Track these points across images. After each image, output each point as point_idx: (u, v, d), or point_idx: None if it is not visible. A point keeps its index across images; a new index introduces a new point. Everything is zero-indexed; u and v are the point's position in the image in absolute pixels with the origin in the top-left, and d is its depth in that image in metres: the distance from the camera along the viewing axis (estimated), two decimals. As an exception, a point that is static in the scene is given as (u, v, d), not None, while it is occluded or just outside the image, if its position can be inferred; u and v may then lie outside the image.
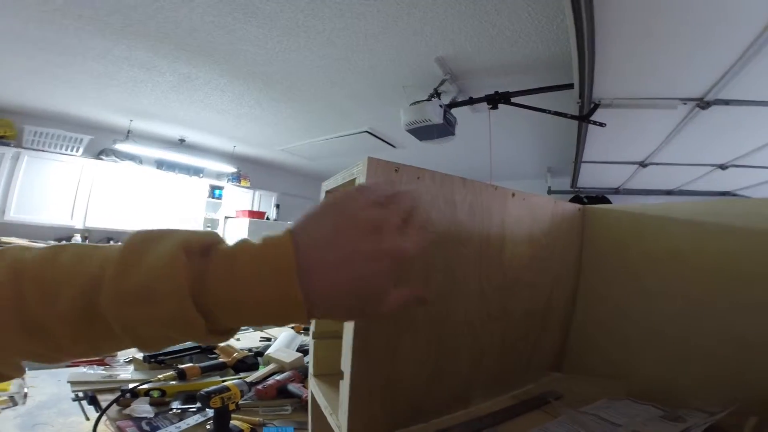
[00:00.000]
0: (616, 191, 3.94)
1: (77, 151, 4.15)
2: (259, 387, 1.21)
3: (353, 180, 0.46)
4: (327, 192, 0.63)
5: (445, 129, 2.45)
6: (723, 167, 2.76)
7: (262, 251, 0.30)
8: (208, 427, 1.02)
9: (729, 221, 0.59)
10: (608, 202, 3.93)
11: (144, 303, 0.28)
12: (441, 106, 2.39)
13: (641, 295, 0.66)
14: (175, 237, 0.30)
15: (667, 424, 0.51)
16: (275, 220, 5.58)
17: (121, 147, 4.38)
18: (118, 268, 0.29)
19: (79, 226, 4.15)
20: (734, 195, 3.46)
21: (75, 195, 4.12)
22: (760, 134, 2.14)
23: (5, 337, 0.29)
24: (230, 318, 0.31)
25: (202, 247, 0.31)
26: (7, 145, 3.74)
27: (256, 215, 5.23)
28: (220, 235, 0.34)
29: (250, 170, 5.69)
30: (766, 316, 0.54)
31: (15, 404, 1.49)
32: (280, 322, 0.34)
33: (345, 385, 0.46)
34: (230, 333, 0.33)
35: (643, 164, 2.90)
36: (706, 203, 0.62)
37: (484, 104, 2.44)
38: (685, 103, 1.86)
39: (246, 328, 2.14)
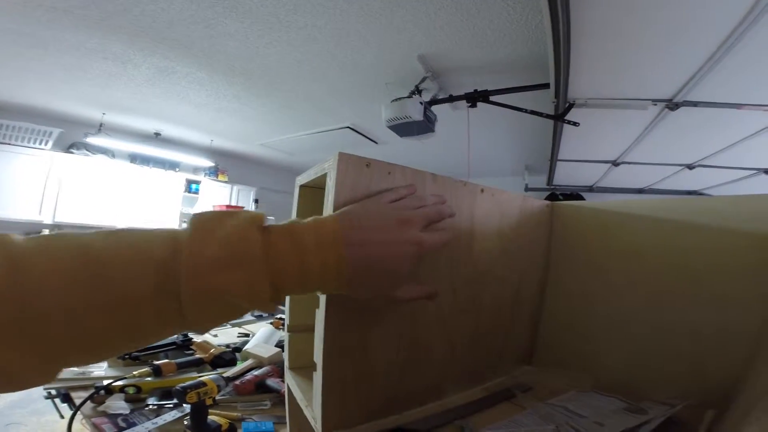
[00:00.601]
0: (591, 189, 4.04)
1: (46, 144, 4.01)
2: (237, 382, 1.21)
3: (325, 175, 0.47)
4: (300, 186, 0.64)
5: (425, 126, 2.47)
6: (690, 167, 2.87)
7: (315, 227, 0.36)
8: (185, 422, 1.01)
9: (687, 218, 0.61)
10: (582, 199, 4.03)
11: (224, 270, 0.31)
12: (421, 103, 2.41)
13: (606, 290, 0.69)
14: (242, 215, 0.35)
15: (629, 416, 0.54)
16: (254, 215, 5.50)
17: (92, 140, 4.25)
18: (194, 242, 0.31)
19: (48, 221, 4.02)
20: (701, 194, 3.61)
21: (44, 189, 3.99)
22: (725, 135, 2.24)
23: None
24: (292, 285, 0.35)
25: (263, 223, 0.35)
26: (-29, 138, 3.60)
27: (234, 210, 5.15)
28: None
29: (228, 165, 5.60)
30: (721, 311, 0.57)
31: (-14, 405, 1.44)
32: (326, 289, 0.39)
33: (318, 377, 0.47)
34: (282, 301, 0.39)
35: (615, 163, 2.99)
36: (666, 200, 0.65)
37: (464, 102, 2.47)
38: (655, 104, 1.93)
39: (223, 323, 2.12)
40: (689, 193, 3.67)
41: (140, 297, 0.30)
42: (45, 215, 4.01)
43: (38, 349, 0.27)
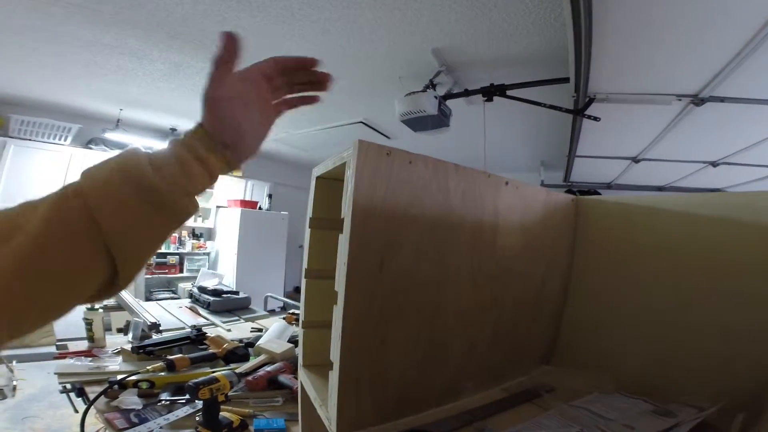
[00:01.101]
0: (608, 186, 3.96)
1: (65, 140, 4.07)
2: (250, 378, 1.20)
3: (343, 164, 0.45)
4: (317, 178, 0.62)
5: (440, 120, 2.43)
6: (714, 164, 2.78)
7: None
8: (197, 418, 1.01)
9: (719, 213, 0.58)
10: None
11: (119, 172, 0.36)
12: (436, 97, 2.37)
13: (632, 287, 0.66)
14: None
15: (658, 419, 0.51)
16: (267, 209, 5.54)
17: (110, 136, 4.31)
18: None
19: (67, 215, 4.09)
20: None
21: (63, 184, 4.04)
22: (751, 132, 2.15)
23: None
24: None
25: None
26: (-6, 134, 3.68)
27: (248, 205, 5.19)
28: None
29: (242, 160, 5.63)
30: (754, 309, 0.54)
31: (4, 397, 1.47)
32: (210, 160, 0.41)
33: (334, 376, 0.45)
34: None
35: (635, 160, 2.91)
36: (698, 195, 0.61)
37: (479, 96, 2.42)
38: (679, 99, 1.86)
39: (236, 318, 2.14)
40: (712, 191, 3.56)
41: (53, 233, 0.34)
42: (64, 209, 4.08)
43: None
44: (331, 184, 0.61)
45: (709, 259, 0.59)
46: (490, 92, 2.34)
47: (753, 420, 0.47)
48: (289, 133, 4.42)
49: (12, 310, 0.32)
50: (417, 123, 2.49)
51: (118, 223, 0.35)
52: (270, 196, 5.79)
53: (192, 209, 0.40)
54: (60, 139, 4.05)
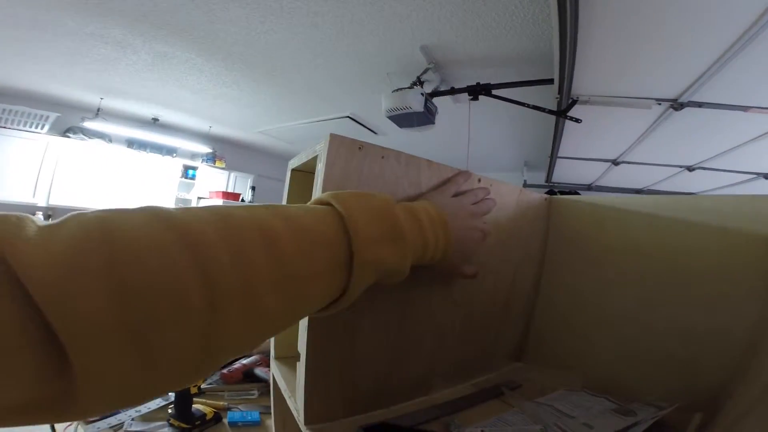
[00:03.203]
0: (589, 188, 4.03)
1: (42, 128, 3.98)
2: (225, 371, 1.19)
3: (315, 157, 0.45)
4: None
5: (426, 117, 2.44)
6: (690, 169, 2.85)
7: (425, 210, 0.43)
8: (169, 411, 1.00)
9: (687, 217, 0.60)
10: (582, 198, 4.01)
11: (384, 244, 0.36)
12: (422, 94, 2.38)
13: (600, 287, 0.68)
14: (378, 195, 0.40)
15: (618, 418, 0.53)
16: (250, 202, 5.49)
17: (89, 125, 4.21)
18: (358, 222, 0.35)
19: (41, 203, 4.00)
20: (700, 196, 3.58)
21: (38, 172, 3.96)
22: (729, 138, 2.21)
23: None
24: (417, 257, 0.41)
25: (394, 203, 0.41)
26: (-33, 121, 3.57)
27: (231, 197, 5.14)
28: None
29: (226, 151, 5.55)
30: (713, 312, 0.55)
31: None
32: (433, 260, 0.44)
33: (301, 366, 0.46)
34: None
35: (615, 162, 2.97)
36: (668, 198, 0.63)
37: (466, 95, 2.44)
38: (659, 104, 1.90)
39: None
40: (688, 195, 3.65)
41: (314, 272, 0.32)
42: (39, 198, 3.98)
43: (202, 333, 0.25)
44: (306, 176, 0.61)
45: (674, 260, 0.60)
46: (476, 91, 2.35)
47: (710, 419, 0.49)
48: (275, 126, 4.38)
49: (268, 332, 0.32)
50: (403, 119, 2.49)
51: (360, 290, 0.37)
52: (253, 188, 5.74)
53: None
54: (37, 128, 3.96)
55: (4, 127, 3.78)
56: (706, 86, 1.67)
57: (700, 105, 1.84)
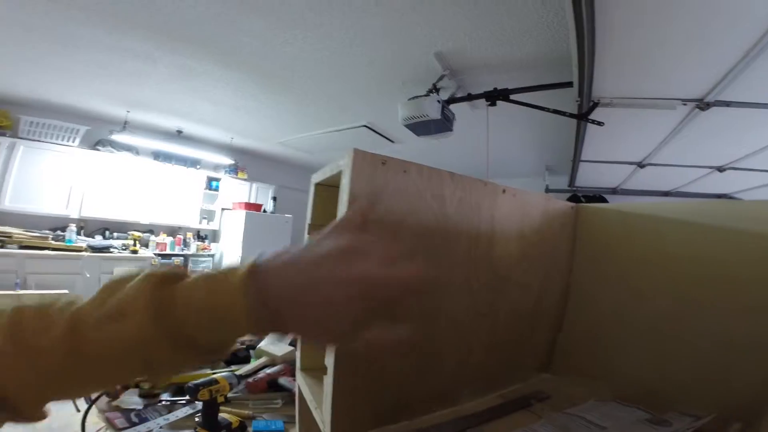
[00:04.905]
0: (614, 191, 3.93)
1: (74, 141, 4.13)
2: (250, 380, 1.21)
3: (340, 173, 0.45)
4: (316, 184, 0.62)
5: (443, 125, 2.44)
6: (720, 169, 2.75)
7: (214, 285, 0.33)
8: (196, 419, 1.01)
9: (722, 223, 0.58)
10: (605, 201, 3.92)
11: (114, 321, 0.32)
12: (439, 101, 2.38)
13: (630, 296, 0.66)
14: (143, 273, 0.35)
15: (651, 428, 0.51)
16: (272, 212, 5.57)
17: (117, 138, 4.36)
18: (95, 302, 0.33)
19: (74, 215, 4.14)
20: (731, 198, 3.46)
21: (71, 185, 4.11)
22: (759, 136, 2.13)
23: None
24: (198, 334, 0.33)
25: (164, 279, 0.34)
26: (3, 135, 3.73)
27: (253, 207, 5.22)
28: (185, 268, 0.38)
29: (247, 162, 5.66)
30: (753, 320, 0.53)
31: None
32: (234, 333, 0.35)
33: (329, 380, 0.46)
34: (204, 354, 0.35)
35: (640, 165, 2.90)
36: (699, 203, 0.61)
37: (483, 101, 2.42)
38: (684, 104, 1.85)
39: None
40: (718, 196, 3.52)
41: None
42: (72, 210, 4.12)
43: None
44: (329, 190, 0.61)
45: (710, 268, 0.58)
46: (494, 96, 2.34)
47: (748, 430, 0.47)
48: (294, 136, 4.44)
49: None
50: (420, 127, 2.49)
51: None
52: (274, 198, 5.82)
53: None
54: (68, 141, 4.11)
55: (38, 140, 3.93)
56: (732, 85, 1.62)
57: (727, 104, 1.78)
